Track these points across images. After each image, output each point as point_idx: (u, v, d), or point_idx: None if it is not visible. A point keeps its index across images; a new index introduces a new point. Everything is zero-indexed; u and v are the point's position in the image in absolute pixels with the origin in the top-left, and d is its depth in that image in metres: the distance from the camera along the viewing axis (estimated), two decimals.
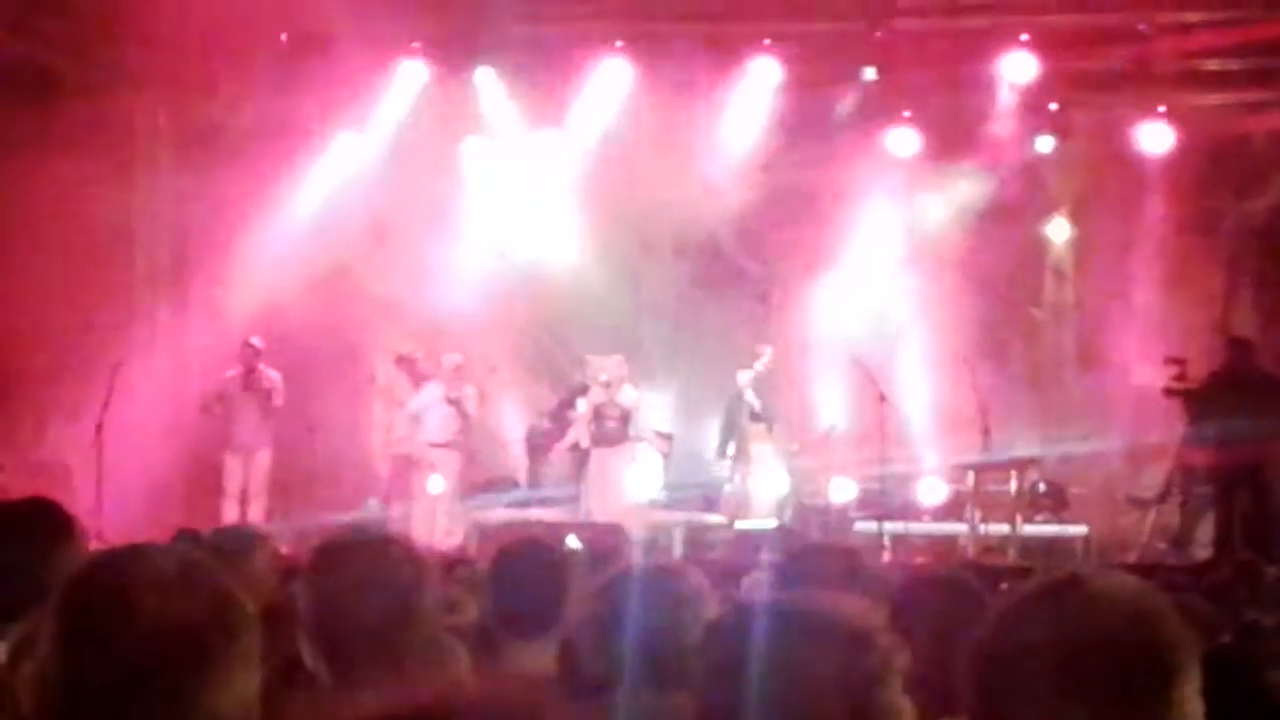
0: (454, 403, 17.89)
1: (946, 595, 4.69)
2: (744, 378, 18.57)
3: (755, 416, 18.52)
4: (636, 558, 14.82)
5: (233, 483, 17.94)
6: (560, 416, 18.70)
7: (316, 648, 3.79)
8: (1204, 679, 2.51)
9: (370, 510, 18.47)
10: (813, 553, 5.36)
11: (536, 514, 18.22)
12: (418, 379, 18.53)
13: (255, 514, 17.55)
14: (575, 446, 18.00)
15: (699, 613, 4.06)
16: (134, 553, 2.80)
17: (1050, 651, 2.48)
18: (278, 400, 17.94)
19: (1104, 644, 2.48)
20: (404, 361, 18.72)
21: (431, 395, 18.11)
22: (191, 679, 2.60)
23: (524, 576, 5.53)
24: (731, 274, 20.45)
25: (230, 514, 17.25)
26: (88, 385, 17.03)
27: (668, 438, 18.79)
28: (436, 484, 18.11)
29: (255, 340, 17.91)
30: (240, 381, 17.85)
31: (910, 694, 4.29)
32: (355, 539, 4.01)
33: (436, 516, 17.91)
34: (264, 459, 18.06)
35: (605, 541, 15.28)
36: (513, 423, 20.19)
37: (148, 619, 2.61)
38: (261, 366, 17.92)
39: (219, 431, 18.06)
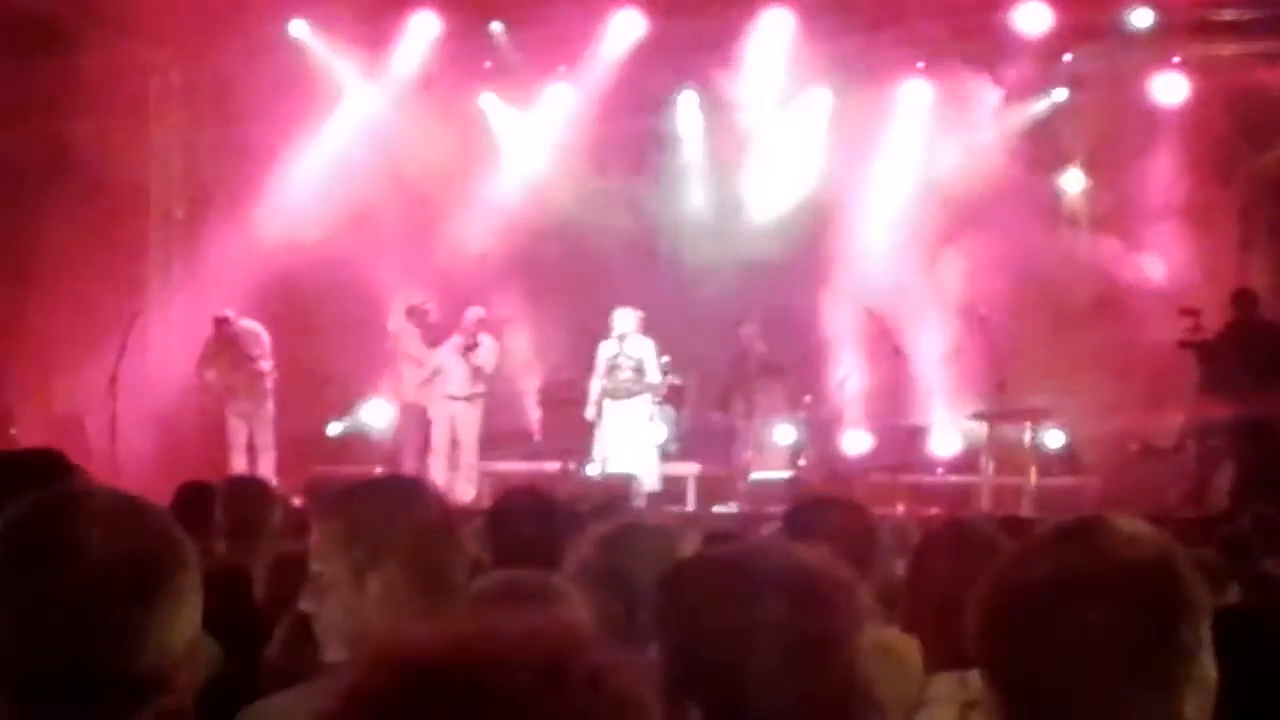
0: (464, 354, 17.92)
1: (966, 546, 4.67)
2: (752, 330, 18.57)
3: (766, 369, 18.50)
4: (648, 509, 14.87)
5: (238, 437, 18.01)
6: (587, 368, 18.65)
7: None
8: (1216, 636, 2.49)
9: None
10: (819, 505, 5.36)
11: (551, 467, 18.23)
12: (428, 330, 18.53)
13: (266, 466, 17.58)
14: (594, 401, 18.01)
15: None
16: (71, 492, 2.78)
17: (1073, 583, 2.43)
18: (264, 364, 17.95)
19: (1129, 580, 2.44)
20: (415, 313, 18.70)
21: (450, 348, 18.15)
22: (139, 614, 2.59)
23: (520, 524, 5.54)
24: (745, 224, 20.37)
25: (239, 467, 17.29)
26: (102, 339, 17.07)
27: (681, 389, 18.78)
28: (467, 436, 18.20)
29: (226, 312, 17.93)
30: (227, 358, 17.89)
31: (926, 646, 4.30)
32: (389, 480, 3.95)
33: (455, 470, 17.95)
34: (265, 414, 18.09)
35: (617, 492, 15.32)
36: (529, 375, 20.19)
37: (93, 555, 2.59)
38: (241, 324, 17.91)
39: (220, 396, 18.09)
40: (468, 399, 18.14)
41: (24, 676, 2.60)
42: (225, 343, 17.88)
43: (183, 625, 2.64)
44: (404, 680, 1.66)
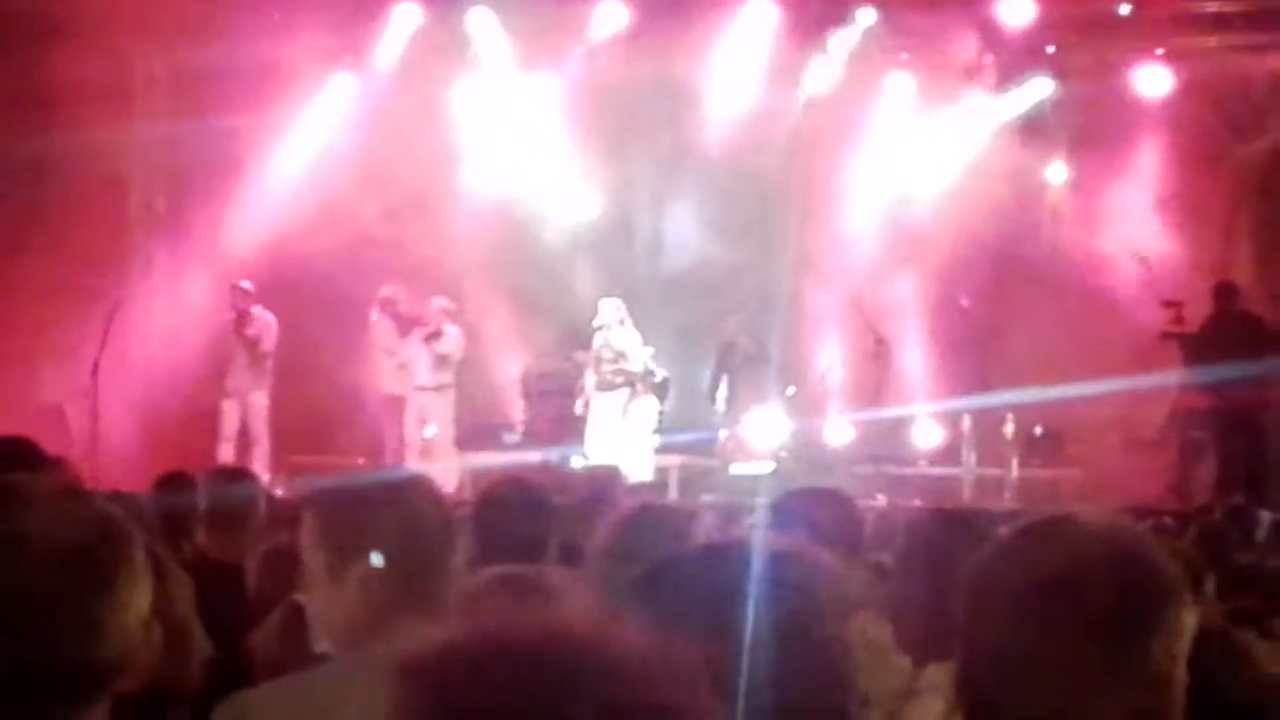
0: (427, 343, 17.95)
1: (951, 534, 4.68)
2: (736, 322, 18.58)
3: (750, 360, 18.51)
4: (631, 500, 14.83)
5: (229, 426, 17.95)
6: (569, 359, 18.64)
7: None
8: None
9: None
10: (804, 495, 5.36)
11: (533, 458, 18.23)
12: (400, 321, 18.56)
13: (259, 458, 17.58)
14: (582, 392, 18.03)
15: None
16: (14, 482, 2.76)
17: (1028, 588, 2.52)
18: (266, 346, 17.91)
19: (1079, 582, 2.51)
20: (385, 304, 18.73)
21: (415, 339, 18.18)
22: (94, 603, 2.58)
23: (508, 517, 5.52)
24: (729, 215, 20.37)
25: (225, 457, 17.24)
26: (83, 329, 17.02)
27: (664, 381, 18.77)
28: (430, 430, 18.17)
29: (244, 284, 17.90)
30: (233, 325, 17.85)
31: (914, 634, 4.32)
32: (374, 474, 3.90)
33: (433, 461, 17.92)
34: (258, 402, 18.04)
35: (601, 483, 15.28)
36: (509, 366, 20.18)
37: (39, 547, 2.58)
38: (254, 309, 17.89)
39: (215, 376, 18.07)
40: (436, 389, 18.16)
41: None
42: (237, 315, 17.83)
43: (136, 607, 2.64)
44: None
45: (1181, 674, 2.53)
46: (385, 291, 18.90)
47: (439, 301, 18.22)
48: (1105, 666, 2.48)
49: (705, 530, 4.20)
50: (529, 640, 1.69)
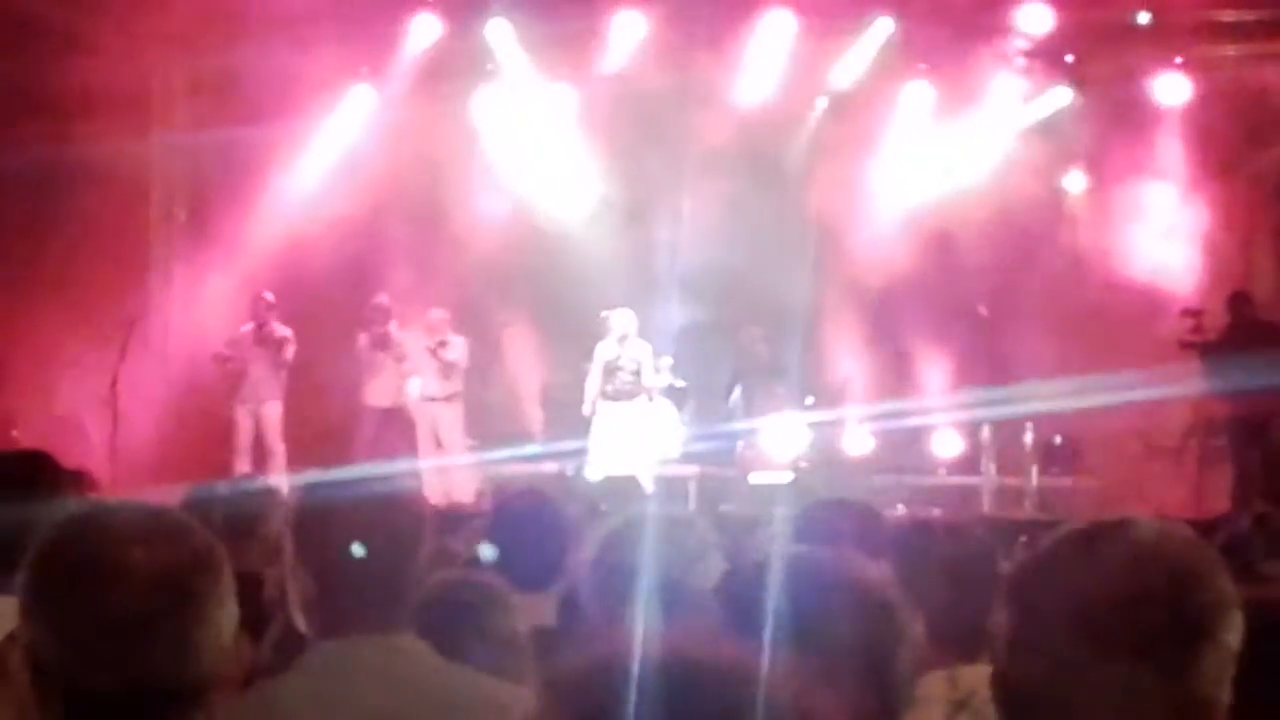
0: (433, 354, 17.92)
1: (956, 545, 4.67)
2: (753, 333, 18.55)
3: (769, 370, 18.48)
4: (650, 511, 14.80)
5: (243, 437, 17.90)
6: (586, 369, 18.62)
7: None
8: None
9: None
10: (828, 507, 5.35)
11: (551, 468, 18.21)
12: (388, 332, 18.50)
13: (274, 469, 17.53)
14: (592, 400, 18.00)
15: (707, 565, 4.04)
16: (103, 510, 2.83)
17: (1081, 600, 2.46)
18: (288, 353, 17.92)
19: (1136, 596, 2.45)
20: (379, 310, 18.66)
21: (420, 350, 18.15)
22: (186, 622, 2.66)
23: (524, 530, 5.49)
24: (748, 225, 20.35)
25: (242, 469, 17.19)
26: (103, 340, 17.04)
27: (683, 390, 18.75)
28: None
29: (267, 295, 17.92)
30: (253, 336, 17.84)
31: (922, 643, 4.31)
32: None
33: (448, 470, 17.90)
34: (273, 411, 18.00)
35: (619, 494, 15.27)
36: (529, 376, 20.17)
37: (135, 572, 2.65)
38: (275, 324, 17.90)
39: (230, 386, 18.04)
40: (447, 399, 18.13)
41: (77, 694, 2.66)
42: (257, 325, 17.84)
43: (227, 625, 2.74)
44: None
45: (1226, 696, 2.48)
46: (382, 299, 18.75)
47: (437, 313, 18.19)
48: (1155, 684, 2.43)
49: (701, 540, 4.19)
50: (678, 665, 1.69)
